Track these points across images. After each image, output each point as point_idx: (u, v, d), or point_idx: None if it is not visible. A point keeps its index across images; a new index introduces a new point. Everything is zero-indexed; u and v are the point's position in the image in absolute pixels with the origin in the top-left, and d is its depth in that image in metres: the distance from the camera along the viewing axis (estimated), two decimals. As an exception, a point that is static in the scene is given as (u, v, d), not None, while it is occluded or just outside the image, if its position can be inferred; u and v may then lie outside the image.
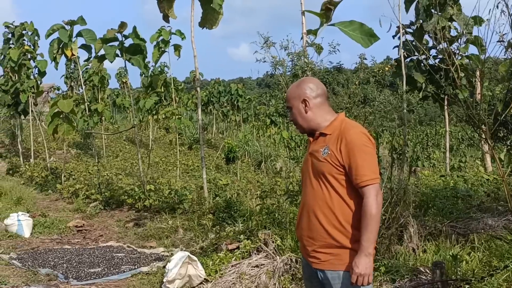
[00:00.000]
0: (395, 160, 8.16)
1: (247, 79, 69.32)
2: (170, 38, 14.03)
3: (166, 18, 8.84)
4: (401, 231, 6.31)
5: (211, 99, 32.77)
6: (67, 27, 12.73)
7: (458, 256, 5.23)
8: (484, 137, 4.72)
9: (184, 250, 7.01)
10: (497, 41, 4.86)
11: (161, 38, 14.09)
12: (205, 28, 8.54)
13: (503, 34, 4.62)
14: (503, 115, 5.02)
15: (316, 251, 3.02)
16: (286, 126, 24.88)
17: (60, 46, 12.79)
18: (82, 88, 18.64)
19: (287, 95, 3.14)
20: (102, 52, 11.26)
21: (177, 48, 14.17)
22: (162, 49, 14.22)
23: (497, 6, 4.23)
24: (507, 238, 4.89)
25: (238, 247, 6.84)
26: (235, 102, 32.14)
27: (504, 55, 5.39)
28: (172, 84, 16.98)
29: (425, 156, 19.61)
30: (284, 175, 15.66)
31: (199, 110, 9.82)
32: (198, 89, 9.54)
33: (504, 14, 4.25)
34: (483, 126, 4.66)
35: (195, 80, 9.77)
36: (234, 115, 32.20)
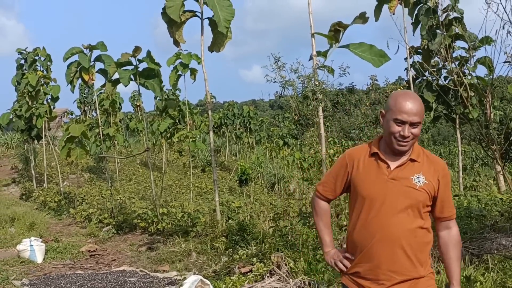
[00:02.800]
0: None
1: (260, 101, 69.59)
2: (190, 62, 14.05)
3: (176, 43, 8.93)
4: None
5: (225, 121, 32.88)
6: (86, 51, 12.82)
7: (472, 277, 5.13)
8: (494, 156, 4.66)
9: (197, 274, 6.98)
10: (504, 62, 4.83)
11: (178, 61, 14.12)
12: (213, 51, 8.63)
13: (511, 55, 4.59)
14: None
15: (395, 285, 2.88)
16: (299, 148, 24.83)
17: (78, 69, 12.88)
18: (96, 113, 18.81)
19: (418, 109, 2.80)
20: (116, 76, 11.35)
21: (193, 72, 14.20)
22: (179, 72, 14.25)
23: (503, 27, 4.21)
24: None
25: (251, 270, 6.79)
26: (247, 124, 32.22)
27: (513, 74, 5.33)
28: (187, 107, 17.06)
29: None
30: (298, 197, 15.56)
31: (211, 132, 9.86)
32: (210, 112, 9.58)
33: (510, 35, 4.23)
34: (493, 146, 4.61)
35: (208, 103, 9.80)
36: (247, 137, 32.25)
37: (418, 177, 2.83)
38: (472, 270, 5.65)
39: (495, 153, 4.63)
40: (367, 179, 2.90)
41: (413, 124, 2.78)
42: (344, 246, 3.16)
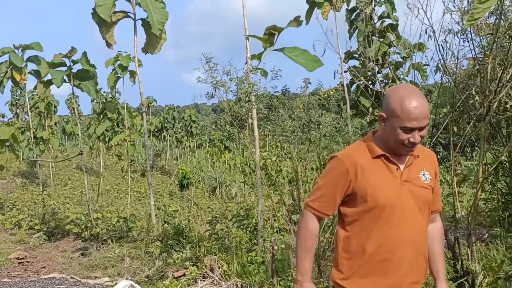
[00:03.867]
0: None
1: (202, 105, 69.37)
2: (129, 65, 13.81)
3: (108, 44, 8.76)
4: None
5: (165, 125, 32.54)
6: (18, 51, 12.37)
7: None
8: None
9: (130, 279, 6.83)
10: (424, 64, 4.96)
11: (118, 63, 13.85)
12: (148, 53, 8.51)
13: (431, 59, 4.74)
14: (435, 137, 5.11)
15: None
16: (241, 152, 24.88)
17: (8, 69, 12.41)
18: (28, 115, 18.22)
19: (426, 109, 2.53)
20: (48, 77, 11.03)
21: (132, 74, 13.96)
22: (118, 74, 13.98)
23: (426, 31, 4.33)
24: (446, 257, 4.92)
25: (184, 274, 6.72)
26: (189, 128, 32.01)
27: (440, 80, 5.49)
28: (125, 110, 16.75)
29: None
30: (239, 201, 15.57)
31: (146, 135, 9.72)
32: (144, 114, 9.44)
33: (431, 39, 4.35)
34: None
35: (142, 106, 9.66)
36: (188, 141, 32.02)
37: (424, 174, 2.67)
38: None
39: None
40: (380, 185, 2.60)
41: (422, 128, 2.52)
42: (341, 267, 2.70)
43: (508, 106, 4.61)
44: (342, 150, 2.84)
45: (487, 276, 4.77)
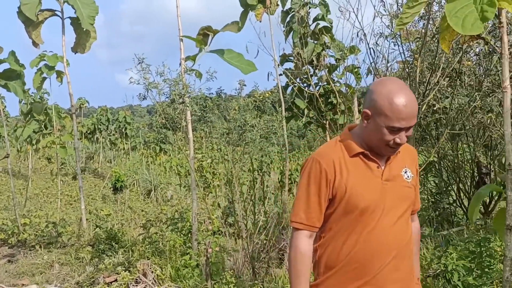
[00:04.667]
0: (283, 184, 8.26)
1: (137, 106, 68.30)
2: (56, 64, 13.34)
3: (34, 43, 8.43)
4: (282, 254, 6.35)
5: (98, 126, 31.76)
6: None
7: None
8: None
9: (58, 286, 6.60)
10: (356, 67, 5.06)
11: (43, 63, 13.37)
12: (77, 52, 8.26)
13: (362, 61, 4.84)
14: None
15: None
16: (176, 154, 24.63)
17: None
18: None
19: (415, 107, 2.31)
20: (-30, 76, 10.49)
21: (59, 74, 13.49)
22: (44, 75, 13.50)
23: (357, 34, 4.41)
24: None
25: (116, 280, 6.54)
26: (123, 130, 31.37)
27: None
28: (53, 111, 16.22)
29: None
30: (174, 203, 15.39)
31: (76, 138, 9.42)
32: (74, 116, 9.16)
33: (362, 42, 4.44)
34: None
35: (72, 107, 9.36)
36: (122, 143, 31.38)
37: (406, 172, 2.45)
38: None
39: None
40: (360, 186, 2.37)
41: (409, 127, 2.31)
42: (315, 271, 2.54)
43: (436, 108, 4.75)
44: (316, 150, 2.55)
45: (417, 275, 4.89)
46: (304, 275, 2.41)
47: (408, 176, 2.44)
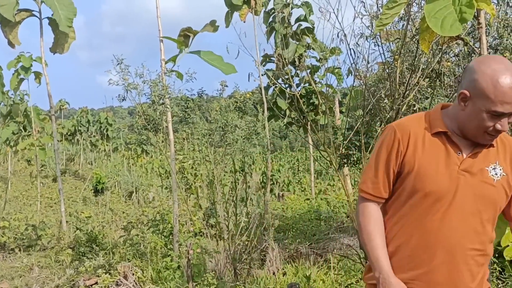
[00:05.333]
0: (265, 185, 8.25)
1: (118, 108, 67.79)
2: (31, 65, 13.25)
3: (11, 44, 8.32)
4: (264, 255, 6.34)
5: (79, 128, 31.47)
6: None
7: (315, 277, 5.32)
8: (331, 160, 4.87)
9: (37, 290, 6.52)
10: (336, 67, 5.08)
11: (20, 64, 13.27)
12: (56, 53, 8.17)
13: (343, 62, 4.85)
14: (348, 139, 5.24)
15: None
16: (158, 155, 24.50)
17: None
18: None
19: None
20: None
21: (37, 75, 13.42)
22: (22, 76, 13.39)
23: (338, 35, 4.42)
24: (359, 257, 5.05)
25: (96, 283, 6.48)
26: (104, 131, 31.13)
27: (352, 83, 5.62)
28: (32, 113, 16.02)
29: (297, 181, 20.17)
30: (156, 205, 15.30)
31: (56, 139, 9.33)
32: (54, 117, 9.05)
33: (342, 43, 4.45)
34: (329, 149, 4.82)
35: (52, 109, 9.26)
36: (103, 144, 31.14)
37: (494, 168, 2.10)
38: (316, 270, 5.86)
39: (333, 158, 4.83)
40: (431, 167, 2.09)
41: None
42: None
43: (416, 108, 4.77)
44: None
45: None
46: (379, 236, 2.19)
47: (496, 174, 2.09)
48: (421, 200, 2.09)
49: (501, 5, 4.88)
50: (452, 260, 2.07)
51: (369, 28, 4.58)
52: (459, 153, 2.10)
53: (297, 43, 11.17)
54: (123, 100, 5.67)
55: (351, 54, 4.57)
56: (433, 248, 2.08)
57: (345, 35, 4.39)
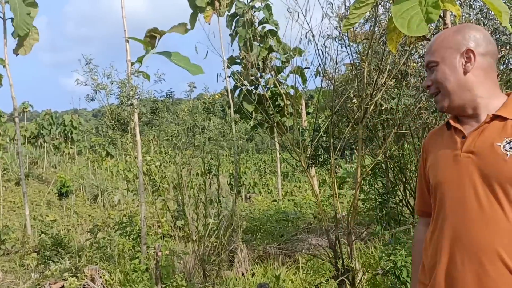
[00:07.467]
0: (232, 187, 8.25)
1: (83, 110, 66.73)
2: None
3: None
4: (233, 256, 6.34)
5: (42, 131, 30.88)
6: None
7: (284, 277, 5.34)
8: (300, 160, 4.90)
9: (1, 295, 6.37)
10: (304, 67, 5.12)
11: (-20, 66, 12.97)
12: (18, 54, 7.99)
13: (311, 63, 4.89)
14: (316, 139, 5.28)
15: None
16: (123, 158, 24.23)
17: None
18: None
19: (433, 45, 1.92)
20: None
21: (-1, 77, 13.12)
22: (-21, 78, 13.08)
23: (306, 36, 4.44)
24: (328, 256, 5.08)
25: (63, 286, 6.37)
26: (68, 134, 30.61)
27: (320, 84, 5.66)
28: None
29: (263, 183, 20.21)
30: (122, 208, 15.13)
31: (19, 142, 9.14)
32: (17, 120, 8.86)
33: (311, 43, 4.48)
34: (297, 150, 4.85)
35: (15, 111, 9.06)
36: (67, 147, 30.62)
37: (509, 142, 1.74)
38: (285, 270, 5.89)
39: (301, 158, 4.87)
40: (436, 160, 1.93)
41: (430, 65, 1.95)
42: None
43: (383, 109, 4.85)
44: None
45: (366, 273, 4.98)
46: (414, 263, 2.08)
47: (510, 148, 1.74)
48: (436, 197, 1.91)
49: (463, 6, 4.99)
50: (478, 259, 1.76)
51: (337, 29, 4.63)
52: (463, 137, 1.88)
53: (261, 45, 11.20)
54: (91, 100, 5.59)
55: (319, 55, 4.61)
56: (444, 247, 1.84)
57: (313, 36, 4.42)
